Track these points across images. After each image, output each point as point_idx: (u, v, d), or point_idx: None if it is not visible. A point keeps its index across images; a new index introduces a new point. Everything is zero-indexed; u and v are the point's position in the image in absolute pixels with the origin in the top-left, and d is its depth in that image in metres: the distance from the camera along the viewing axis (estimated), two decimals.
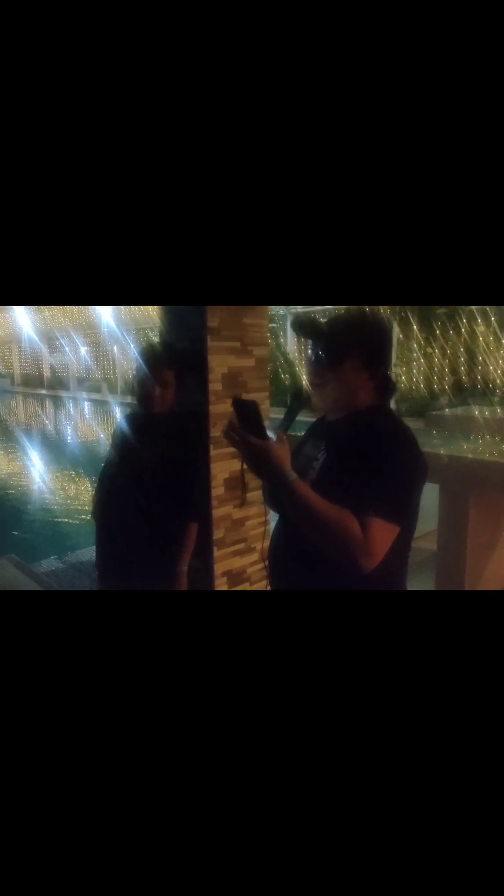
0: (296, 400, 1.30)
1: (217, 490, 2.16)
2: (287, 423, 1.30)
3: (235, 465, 2.20)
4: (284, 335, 10.90)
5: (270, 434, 1.08)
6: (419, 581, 3.07)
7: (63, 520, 5.64)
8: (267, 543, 2.40)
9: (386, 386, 1.25)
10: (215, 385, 2.12)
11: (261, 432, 1.06)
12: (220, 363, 2.12)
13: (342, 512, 1.03)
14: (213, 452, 2.13)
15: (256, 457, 1.06)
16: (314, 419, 1.37)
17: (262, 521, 2.36)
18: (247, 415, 1.07)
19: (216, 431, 2.13)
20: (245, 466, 1.21)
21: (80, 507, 6.14)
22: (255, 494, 2.31)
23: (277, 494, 1.10)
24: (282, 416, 1.22)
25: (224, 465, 2.17)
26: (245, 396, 1.23)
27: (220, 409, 2.13)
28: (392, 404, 1.34)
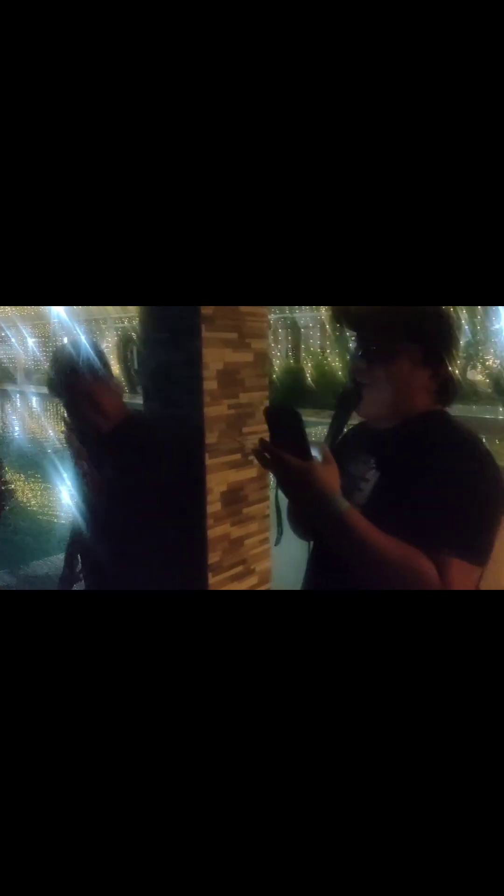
0: (344, 405, 1.03)
1: (213, 506, 1.85)
2: (334, 435, 1.04)
3: (233, 476, 1.91)
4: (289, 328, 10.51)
5: (314, 452, 0.85)
6: None
7: (12, 526, 5.19)
8: (268, 565, 2.15)
9: (448, 387, 1.00)
10: (210, 384, 1.80)
11: (304, 450, 0.83)
12: (215, 358, 1.81)
13: (411, 551, 0.82)
14: (208, 462, 1.82)
15: (298, 481, 0.83)
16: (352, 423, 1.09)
17: (263, 539, 2.07)
18: (285, 428, 0.84)
19: (212, 438, 1.82)
20: (279, 492, 0.99)
21: (34, 511, 5.70)
22: (255, 508, 2.03)
23: (324, 526, 0.86)
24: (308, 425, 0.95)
25: (221, 476, 1.87)
26: (276, 404, 0.97)
27: (216, 412, 1.83)
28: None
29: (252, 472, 1.99)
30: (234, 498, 1.93)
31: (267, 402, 2.02)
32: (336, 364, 11.63)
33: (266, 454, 0.86)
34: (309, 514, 0.92)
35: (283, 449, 0.84)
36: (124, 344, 13.07)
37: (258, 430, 1.99)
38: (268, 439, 0.86)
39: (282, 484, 0.87)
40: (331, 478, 0.84)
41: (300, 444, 0.83)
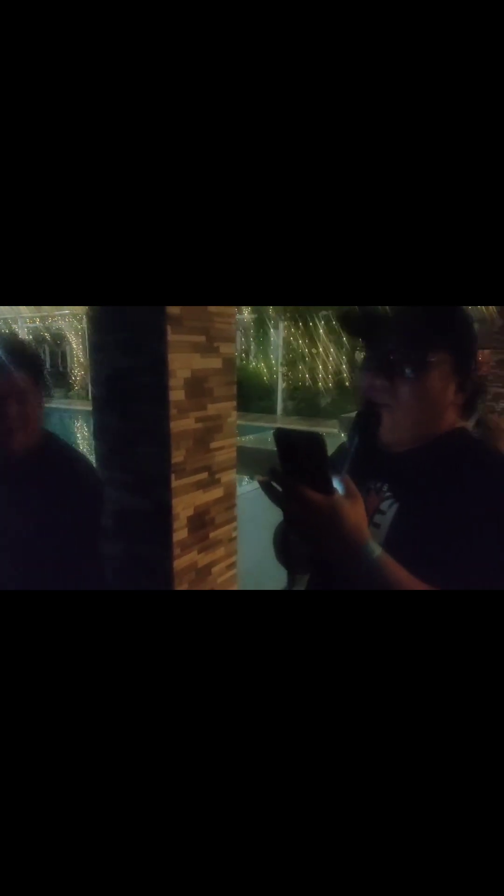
0: (362, 432, 0.86)
1: (179, 534, 1.62)
2: (355, 463, 0.87)
3: (200, 498, 1.70)
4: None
5: (335, 483, 0.70)
6: None
7: None
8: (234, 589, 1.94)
9: (474, 400, 0.86)
10: (177, 393, 1.58)
11: (325, 482, 0.69)
12: (182, 364, 1.59)
13: None
14: (174, 484, 1.59)
15: (320, 521, 0.69)
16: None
17: (230, 564, 1.86)
18: (302, 455, 0.69)
19: (178, 456, 1.59)
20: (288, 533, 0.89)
21: None
22: (222, 531, 1.82)
23: (352, 575, 0.71)
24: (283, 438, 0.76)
25: (188, 499, 1.64)
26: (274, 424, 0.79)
27: (183, 427, 1.60)
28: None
29: (219, 491, 1.78)
30: (201, 522, 1.71)
31: (235, 413, 1.82)
32: (259, 366, 11.59)
33: (277, 487, 0.70)
34: (327, 556, 0.75)
35: (299, 481, 0.68)
36: (37, 344, 12.33)
37: (224, 445, 1.79)
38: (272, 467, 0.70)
39: (296, 523, 0.71)
40: (359, 516, 0.69)
41: (321, 476, 0.68)
